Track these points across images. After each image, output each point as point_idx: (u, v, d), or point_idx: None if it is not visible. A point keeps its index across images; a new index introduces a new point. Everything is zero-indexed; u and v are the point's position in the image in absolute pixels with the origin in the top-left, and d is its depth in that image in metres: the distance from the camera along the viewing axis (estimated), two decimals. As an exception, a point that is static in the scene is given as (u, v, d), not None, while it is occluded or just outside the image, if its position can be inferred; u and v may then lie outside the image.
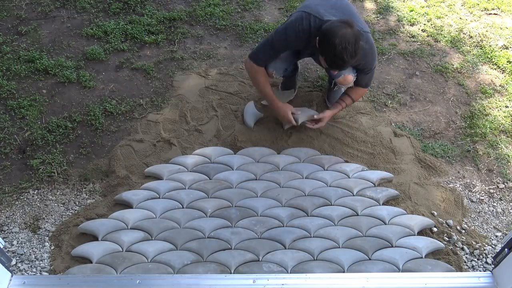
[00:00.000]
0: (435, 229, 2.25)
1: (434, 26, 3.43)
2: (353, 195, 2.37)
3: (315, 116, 2.57)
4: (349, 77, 2.43)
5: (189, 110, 2.81)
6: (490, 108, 2.87)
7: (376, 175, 2.46)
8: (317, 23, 2.22)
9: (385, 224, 2.24)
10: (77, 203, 2.36)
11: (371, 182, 2.43)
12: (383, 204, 2.34)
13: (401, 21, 3.47)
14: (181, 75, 3.02)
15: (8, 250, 2.14)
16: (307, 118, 2.59)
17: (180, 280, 1.99)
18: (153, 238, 2.17)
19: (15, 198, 2.37)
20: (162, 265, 2.06)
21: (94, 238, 2.18)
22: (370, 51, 2.32)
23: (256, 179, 2.44)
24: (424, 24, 3.44)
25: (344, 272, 2.04)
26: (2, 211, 2.31)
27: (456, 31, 3.40)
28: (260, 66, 2.45)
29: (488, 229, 2.30)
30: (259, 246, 2.13)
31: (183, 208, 2.30)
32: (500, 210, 2.39)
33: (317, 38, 2.18)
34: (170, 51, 3.18)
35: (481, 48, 3.26)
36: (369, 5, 3.61)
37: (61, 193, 2.40)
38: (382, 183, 2.46)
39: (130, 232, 2.19)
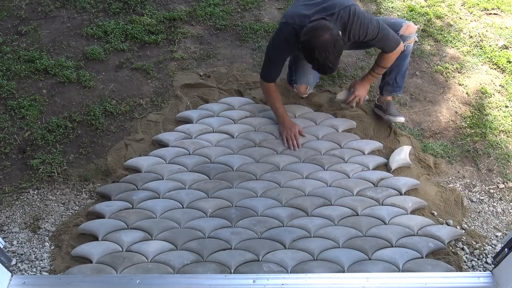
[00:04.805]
0: (435, 229, 2.25)
1: (434, 26, 3.43)
2: (353, 195, 2.37)
3: (351, 98, 2.64)
4: (411, 25, 2.43)
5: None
6: (490, 108, 2.87)
7: (376, 175, 2.46)
8: (297, 30, 2.23)
9: (385, 224, 2.24)
10: (77, 203, 2.36)
11: (371, 182, 2.43)
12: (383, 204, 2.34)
13: (401, 21, 3.47)
14: (181, 75, 3.02)
15: (8, 250, 2.14)
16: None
17: (180, 280, 1.99)
18: (153, 238, 2.17)
19: (15, 198, 2.37)
20: (162, 265, 2.06)
21: (94, 238, 2.18)
22: (363, 22, 2.23)
23: (256, 179, 2.44)
24: (424, 24, 3.44)
25: (344, 272, 2.04)
26: (2, 211, 2.31)
27: (456, 31, 3.40)
28: (269, 82, 2.55)
29: (488, 229, 2.30)
30: (259, 246, 2.13)
31: (183, 208, 2.31)
32: (500, 210, 2.39)
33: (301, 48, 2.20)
34: (170, 51, 3.18)
35: (481, 48, 3.26)
36: (369, 5, 3.61)
37: (61, 193, 2.40)
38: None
39: (130, 232, 2.19)
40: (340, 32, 2.16)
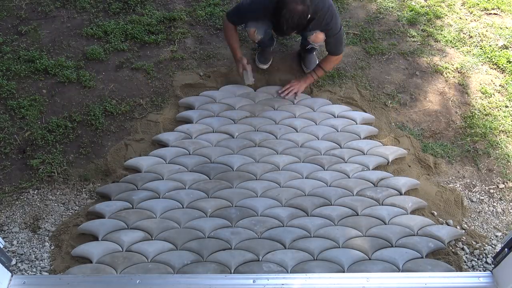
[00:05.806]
0: (435, 229, 2.25)
1: (434, 26, 3.43)
2: (353, 195, 2.37)
3: (285, 87, 2.88)
4: (320, 35, 2.60)
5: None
6: (490, 108, 2.87)
7: (376, 175, 2.46)
8: None
9: (385, 224, 2.24)
10: (77, 203, 2.36)
11: (371, 182, 2.43)
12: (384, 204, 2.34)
13: (401, 21, 3.47)
14: (181, 75, 3.02)
15: (8, 250, 2.14)
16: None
17: (180, 280, 1.99)
18: (153, 238, 2.17)
19: (15, 198, 2.37)
20: (162, 265, 2.06)
21: (94, 238, 2.19)
22: (328, 12, 2.51)
23: (256, 179, 2.44)
24: (424, 24, 3.44)
25: (344, 272, 2.05)
26: (2, 211, 2.31)
27: (456, 31, 3.40)
28: (231, 23, 2.71)
29: (488, 229, 2.30)
30: (259, 246, 2.13)
31: (183, 208, 2.31)
32: (500, 210, 2.39)
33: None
34: (170, 51, 3.18)
35: (481, 48, 3.26)
36: (370, 5, 3.61)
37: (61, 193, 2.40)
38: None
39: (130, 232, 2.19)
40: (309, 15, 2.42)
